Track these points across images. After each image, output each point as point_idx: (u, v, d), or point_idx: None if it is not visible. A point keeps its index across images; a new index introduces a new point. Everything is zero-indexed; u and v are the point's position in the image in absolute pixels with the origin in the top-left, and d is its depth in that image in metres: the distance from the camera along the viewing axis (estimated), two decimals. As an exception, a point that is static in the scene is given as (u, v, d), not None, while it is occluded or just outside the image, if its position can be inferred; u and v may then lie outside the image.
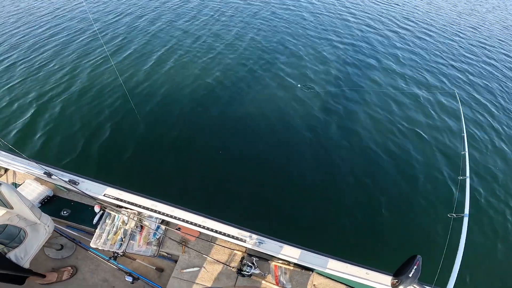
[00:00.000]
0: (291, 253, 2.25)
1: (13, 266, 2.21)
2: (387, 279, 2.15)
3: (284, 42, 8.60)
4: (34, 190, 2.82)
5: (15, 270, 2.25)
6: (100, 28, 8.54)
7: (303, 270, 2.55)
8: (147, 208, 2.37)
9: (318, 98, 6.40)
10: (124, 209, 2.72)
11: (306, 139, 5.33)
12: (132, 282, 2.64)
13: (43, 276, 2.56)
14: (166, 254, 2.79)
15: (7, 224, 2.34)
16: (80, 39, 7.93)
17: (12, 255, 2.19)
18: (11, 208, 2.23)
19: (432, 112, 6.34)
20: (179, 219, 2.34)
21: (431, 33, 10.36)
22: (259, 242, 2.25)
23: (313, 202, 4.35)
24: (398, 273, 1.88)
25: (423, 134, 5.74)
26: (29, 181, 2.89)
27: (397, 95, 6.70)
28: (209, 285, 2.51)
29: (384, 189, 4.64)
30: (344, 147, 5.25)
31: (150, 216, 2.67)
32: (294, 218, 4.10)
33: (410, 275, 1.80)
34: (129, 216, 2.68)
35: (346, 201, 4.39)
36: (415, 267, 1.81)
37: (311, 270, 2.54)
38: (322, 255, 2.27)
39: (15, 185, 3.00)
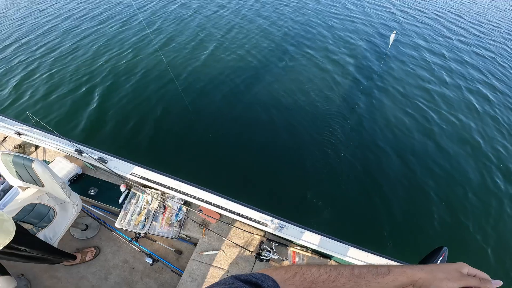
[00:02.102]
0: (311, 239, 2.13)
1: (53, 250, 2.16)
2: (408, 270, 2.01)
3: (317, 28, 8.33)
4: (64, 168, 2.75)
5: (53, 254, 2.18)
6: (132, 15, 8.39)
7: (321, 258, 2.42)
8: (172, 188, 2.28)
9: (351, 83, 6.21)
10: (148, 189, 2.62)
11: (338, 123, 5.13)
12: (152, 264, 2.56)
13: (74, 257, 2.48)
14: (185, 237, 2.70)
15: (36, 203, 2.27)
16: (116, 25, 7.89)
17: (41, 235, 2.13)
18: (42, 185, 2.16)
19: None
20: (202, 200, 2.24)
21: (478, 32, 9.43)
22: (280, 227, 2.13)
23: (339, 188, 4.17)
24: (422, 264, 1.74)
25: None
26: (59, 158, 2.83)
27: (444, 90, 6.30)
28: (227, 269, 2.39)
29: (421, 175, 4.36)
30: (377, 132, 5.02)
31: (173, 197, 2.57)
32: (321, 205, 3.94)
33: (435, 266, 1.65)
34: (153, 196, 2.58)
35: (373, 189, 4.18)
36: (441, 258, 1.66)
37: (329, 257, 2.41)
38: (342, 242, 2.14)
39: (46, 162, 2.94)
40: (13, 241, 1.72)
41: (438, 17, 9.97)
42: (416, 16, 9.77)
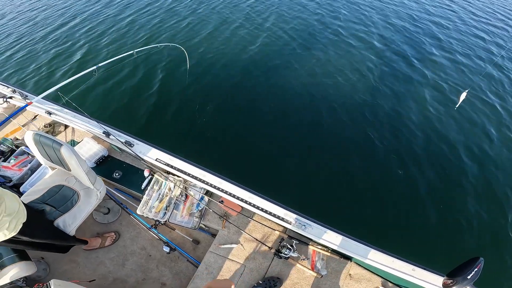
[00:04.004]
0: (332, 239, 2.01)
1: (60, 236, 2.08)
2: (436, 279, 1.86)
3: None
4: (91, 149, 2.70)
5: (61, 239, 2.11)
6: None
7: (341, 258, 2.28)
8: (195, 177, 2.18)
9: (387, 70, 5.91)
10: (171, 176, 2.55)
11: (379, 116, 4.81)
12: (169, 253, 2.47)
13: (85, 242, 2.43)
14: (204, 226, 2.61)
15: (63, 185, 2.22)
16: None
17: (60, 221, 2.07)
18: (69, 170, 2.11)
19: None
20: (225, 192, 2.14)
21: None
22: (304, 225, 2.01)
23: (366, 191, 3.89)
24: (455, 273, 1.60)
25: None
26: (87, 139, 2.78)
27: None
28: (244, 263, 2.28)
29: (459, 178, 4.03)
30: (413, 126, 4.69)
31: (195, 185, 2.48)
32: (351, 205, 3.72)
33: (469, 277, 1.52)
34: (176, 184, 2.49)
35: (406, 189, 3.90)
36: (476, 269, 1.53)
37: (350, 258, 2.28)
38: (365, 244, 2.01)
39: (74, 142, 2.92)
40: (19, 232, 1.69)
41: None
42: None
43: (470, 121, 4.89)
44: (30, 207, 1.98)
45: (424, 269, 1.91)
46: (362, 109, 4.94)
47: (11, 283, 1.95)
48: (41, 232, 1.96)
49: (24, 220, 1.71)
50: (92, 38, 6.58)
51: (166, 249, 2.45)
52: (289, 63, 5.95)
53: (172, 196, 2.50)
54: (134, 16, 7.46)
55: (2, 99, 2.62)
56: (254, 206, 2.09)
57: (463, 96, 3.62)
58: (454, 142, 4.51)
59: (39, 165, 2.61)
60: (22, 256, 2.04)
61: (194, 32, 6.77)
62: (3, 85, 2.70)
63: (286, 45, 6.49)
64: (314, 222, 2.05)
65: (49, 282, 1.63)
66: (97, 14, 7.70)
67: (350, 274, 2.25)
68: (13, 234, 1.65)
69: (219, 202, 2.45)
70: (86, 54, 6.09)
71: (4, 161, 2.74)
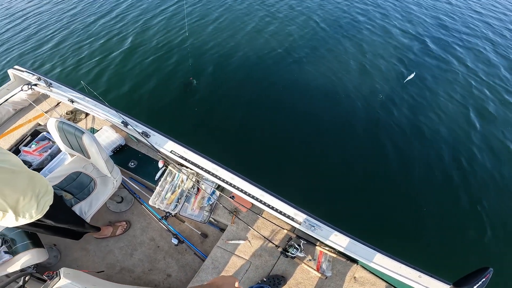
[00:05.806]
0: (344, 242, 2.00)
1: (80, 222, 2.12)
2: (441, 287, 1.85)
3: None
4: (109, 137, 2.78)
5: (80, 225, 2.14)
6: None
7: (348, 261, 2.29)
8: (208, 172, 2.21)
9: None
10: (185, 168, 2.59)
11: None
12: (177, 245, 2.50)
13: (99, 229, 2.47)
14: (213, 220, 2.63)
15: (81, 172, 2.27)
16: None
17: (77, 208, 2.11)
18: (88, 157, 2.17)
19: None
20: (237, 188, 2.15)
21: None
22: (313, 226, 2.02)
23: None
24: (461, 283, 1.60)
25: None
26: (106, 127, 2.86)
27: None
28: (250, 260, 2.31)
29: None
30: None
31: (207, 180, 2.52)
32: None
33: (475, 287, 1.52)
34: (188, 176, 2.54)
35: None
36: (484, 279, 1.52)
37: (356, 261, 2.28)
38: (371, 248, 2.00)
39: (93, 130, 3.00)
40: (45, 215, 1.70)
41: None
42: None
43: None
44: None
45: (431, 276, 1.90)
46: (393, 110, 4.78)
47: (22, 270, 1.95)
48: (64, 216, 1.98)
49: (51, 202, 1.71)
50: (109, 32, 6.61)
51: (175, 241, 2.48)
52: (316, 56, 5.83)
53: (184, 189, 2.54)
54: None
55: (27, 86, 2.72)
56: (264, 204, 2.10)
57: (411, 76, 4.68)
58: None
59: (59, 151, 2.70)
60: (35, 243, 2.06)
61: (221, 26, 6.66)
62: (28, 72, 2.80)
63: (314, 37, 6.38)
64: (324, 223, 2.05)
65: (59, 270, 1.61)
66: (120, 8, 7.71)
67: (354, 277, 2.25)
68: (39, 216, 1.65)
69: (230, 197, 2.48)
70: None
71: (25, 145, 2.84)
